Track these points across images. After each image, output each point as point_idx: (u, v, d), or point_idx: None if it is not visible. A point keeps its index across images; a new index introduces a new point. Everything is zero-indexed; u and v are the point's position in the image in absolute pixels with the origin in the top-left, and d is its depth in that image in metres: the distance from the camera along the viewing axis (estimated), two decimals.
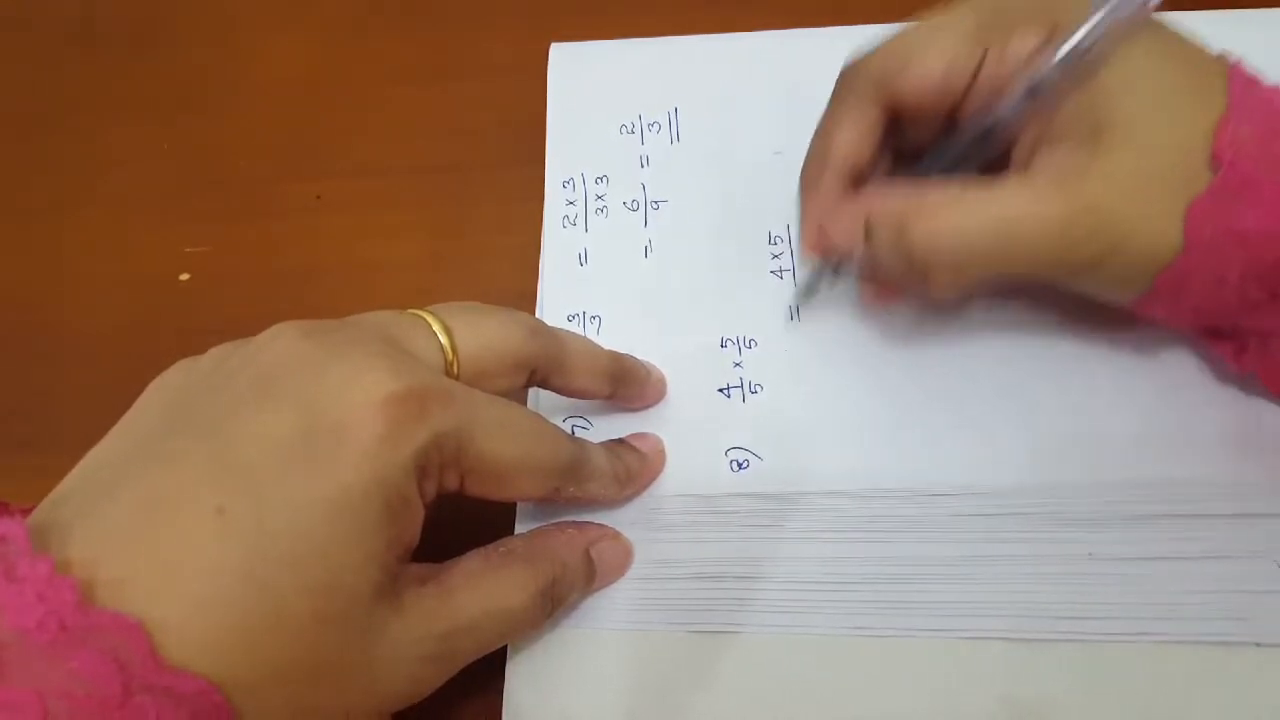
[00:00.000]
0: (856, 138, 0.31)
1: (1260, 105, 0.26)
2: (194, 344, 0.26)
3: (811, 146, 0.32)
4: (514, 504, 0.30)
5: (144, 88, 0.45)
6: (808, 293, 0.34)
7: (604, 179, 0.38)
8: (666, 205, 0.37)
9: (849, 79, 0.31)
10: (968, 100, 0.29)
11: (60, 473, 0.24)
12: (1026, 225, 0.27)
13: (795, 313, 0.34)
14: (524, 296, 0.36)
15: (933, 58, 0.29)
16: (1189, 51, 0.28)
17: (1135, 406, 0.31)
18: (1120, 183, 0.26)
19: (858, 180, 0.31)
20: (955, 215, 0.27)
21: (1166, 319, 0.29)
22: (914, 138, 0.31)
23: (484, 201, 0.40)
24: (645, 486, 0.31)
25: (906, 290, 0.32)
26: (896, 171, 0.32)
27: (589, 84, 0.40)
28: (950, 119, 0.30)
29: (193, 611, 0.20)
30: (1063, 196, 0.26)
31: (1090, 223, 0.26)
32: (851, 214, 0.30)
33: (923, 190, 0.29)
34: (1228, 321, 0.29)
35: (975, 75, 0.28)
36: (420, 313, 0.26)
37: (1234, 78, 0.26)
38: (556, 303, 0.35)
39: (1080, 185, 0.26)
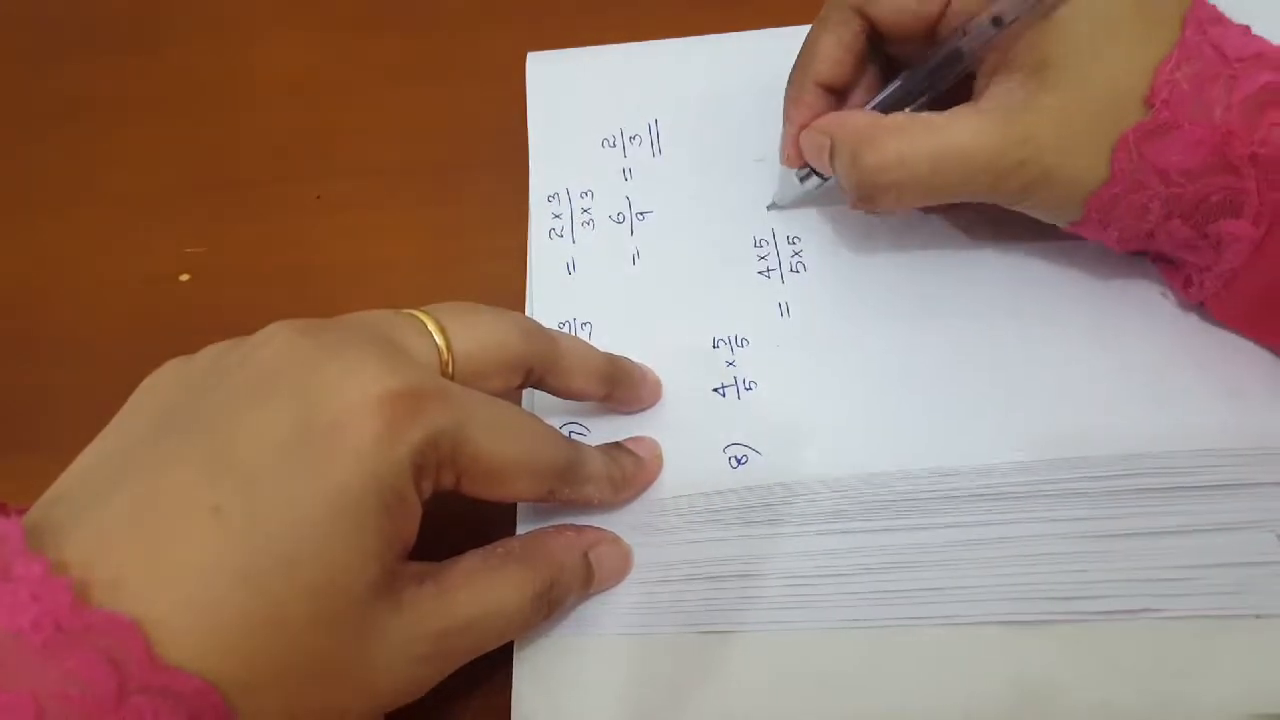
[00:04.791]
0: (837, 52, 0.32)
1: (1208, 47, 0.27)
2: (194, 344, 0.26)
3: (797, 58, 0.33)
4: (514, 505, 0.30)
5: (144, 88, 0.45)
6: (784, 193, 0.36)
7: (589, 193, 0.38)
8: (651, 215, 0.37)
9: None
10: (943, 23, 0.30)
11: (59, 473, 0.24)
12: (963, 156, 0.28)
13: (776, 207, 0.36)
14: (521, 297, 0.36)
15: None
16: None
17: (1125, 381, 0.31)
18: (1055, 118, 0.28)
19: (840, 93, 0.33)
20: (899, 143, 0.29)
21: (1104, 242, 0.31)
22: (898, 56, 0.33)
23: (482, 202, 0.40)
24: (641, 491, 0.30)
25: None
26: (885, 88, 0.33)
27: (568, 94, 0.40)
28: (928, 40, 0.31)
29: (189, 611, 0.20)
30: (1000, 129, 0.28)
31: (1021, 155, 0.28)
32: (821, 132, 0.32)
33: (879, 116, 0.30)
34: (1166, 251, 0.30)
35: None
36: (415, 312, 0.26)
37: (1190, 17, 0.27)
38: (546, 310, 0.35)
39: (1018, 118, 0.28)
